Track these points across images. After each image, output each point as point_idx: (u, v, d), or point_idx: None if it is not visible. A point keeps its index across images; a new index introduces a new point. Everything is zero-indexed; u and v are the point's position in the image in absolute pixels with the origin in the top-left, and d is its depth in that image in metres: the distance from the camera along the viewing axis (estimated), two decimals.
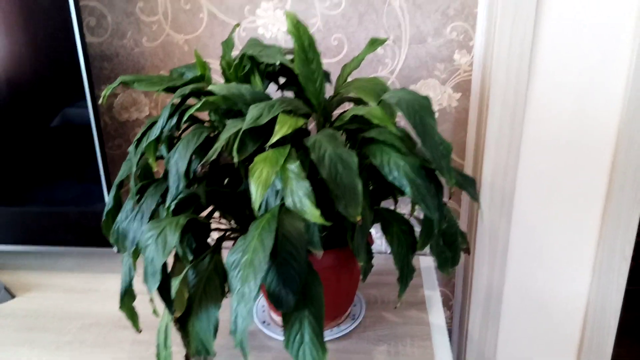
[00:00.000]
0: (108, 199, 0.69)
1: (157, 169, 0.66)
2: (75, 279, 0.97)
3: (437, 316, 0.84)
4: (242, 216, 0.72)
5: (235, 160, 0.56)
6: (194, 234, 0.68)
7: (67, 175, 0.91)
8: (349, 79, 0.75)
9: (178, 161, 0.58)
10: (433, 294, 0.90)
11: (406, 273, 0.61)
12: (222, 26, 0.93)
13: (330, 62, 0.93)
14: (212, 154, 0.56)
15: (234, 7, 0.91)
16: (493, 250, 0.97)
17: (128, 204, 0.68)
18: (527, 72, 0.84)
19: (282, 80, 0.73)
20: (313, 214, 0.52)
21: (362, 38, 0.91)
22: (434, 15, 0.88)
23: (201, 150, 0.64)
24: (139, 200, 0.65)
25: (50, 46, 0.83)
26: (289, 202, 0.53)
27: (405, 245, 0.61)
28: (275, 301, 0.53)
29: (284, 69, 0.70)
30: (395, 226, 0.61)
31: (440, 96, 0.93)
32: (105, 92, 0.70)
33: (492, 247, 0.97)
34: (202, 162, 0.58)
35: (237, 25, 0.83)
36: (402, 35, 0.90)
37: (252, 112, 0.57)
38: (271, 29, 0.92)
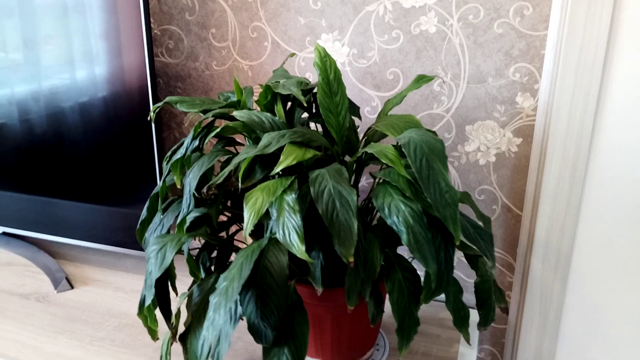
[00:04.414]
0: (144, 210, 0.74)
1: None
2: (127, 280, 1.04)
3: None
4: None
5: (240, 186, 0.57)
6: (211, 252, 0.70)
7: (134, 183, 0.99)
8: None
9: (191, 181, 0.60)
10: (468, 352, 0.84)
11: (407, 325, 0.57)
12: (284, 55, 0.96)
13: (384, 96, 0.92)
14: (219, 178, 0.57)
15: (296, 38, 0.94)
16: (544, 314, 0.87)
17: (157, 217, 0.72)
18: (591, 126, 0.76)
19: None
20: (299, 249, 0.51)
21: (418, 73, 0.88)
22: (496, 54, 0.83)
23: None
24: (163, 214, 0.68)
25: (124, 66, 0.91)
26: (279, 233, 0.52)
27: (406, 295, 0.57)
28: (254, 334, 0.52)
29: (315, 100, 0.70)
30: (398, 272, 0.58)
31: (499, 140, 0.87)
32: (154, 109, 0.75)
33: (543, 310, 0.87)
34: (208, 185, 0.60)
35: (292, 54, 0.85)
36: (461, 73, 0.86)
37: (263, 140, 0.58)
38: None
